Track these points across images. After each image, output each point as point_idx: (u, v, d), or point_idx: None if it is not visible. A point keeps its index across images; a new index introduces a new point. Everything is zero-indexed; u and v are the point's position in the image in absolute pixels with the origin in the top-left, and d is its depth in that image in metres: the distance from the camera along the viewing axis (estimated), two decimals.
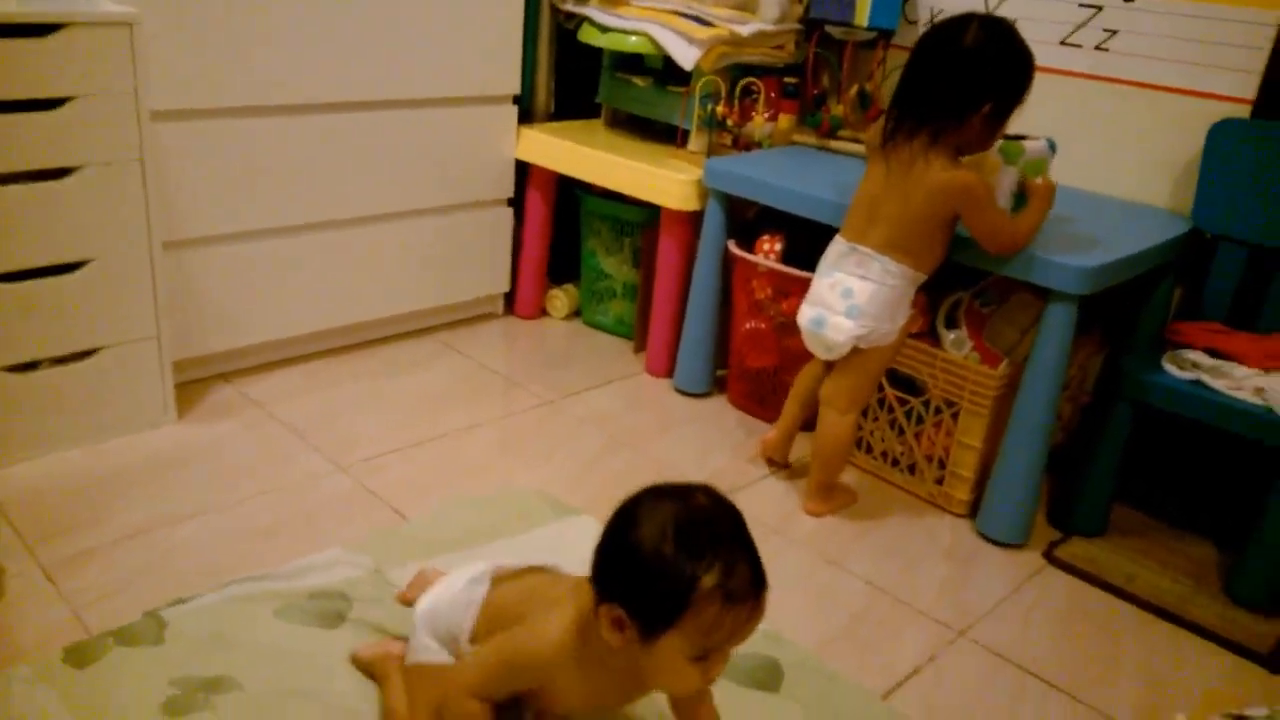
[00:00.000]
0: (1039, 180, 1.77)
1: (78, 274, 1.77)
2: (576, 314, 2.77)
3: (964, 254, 1.79)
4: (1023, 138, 1.81)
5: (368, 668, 1.29)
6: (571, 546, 1.61)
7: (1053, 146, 1.84)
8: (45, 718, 1.16)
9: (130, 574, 1.54)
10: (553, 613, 1.10)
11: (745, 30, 2.31)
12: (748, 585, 0.99)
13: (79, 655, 1.26)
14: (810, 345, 1.88)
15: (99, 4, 1.72)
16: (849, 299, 1.77)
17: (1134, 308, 2.06)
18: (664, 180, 2.28)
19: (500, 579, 1.24)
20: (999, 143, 1.78)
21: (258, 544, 1.64)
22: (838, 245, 1.82)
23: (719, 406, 2.34)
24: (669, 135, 2.50)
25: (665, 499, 1.02)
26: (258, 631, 1.33)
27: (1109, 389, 1.90)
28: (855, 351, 1.81)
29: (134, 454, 1.88)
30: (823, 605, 1.67)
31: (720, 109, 2.35)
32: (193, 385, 2.15)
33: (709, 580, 0.96)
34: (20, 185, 1.66)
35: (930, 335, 1.96)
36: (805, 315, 1.85)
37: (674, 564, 0.97)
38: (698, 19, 2.32)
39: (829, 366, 1.89)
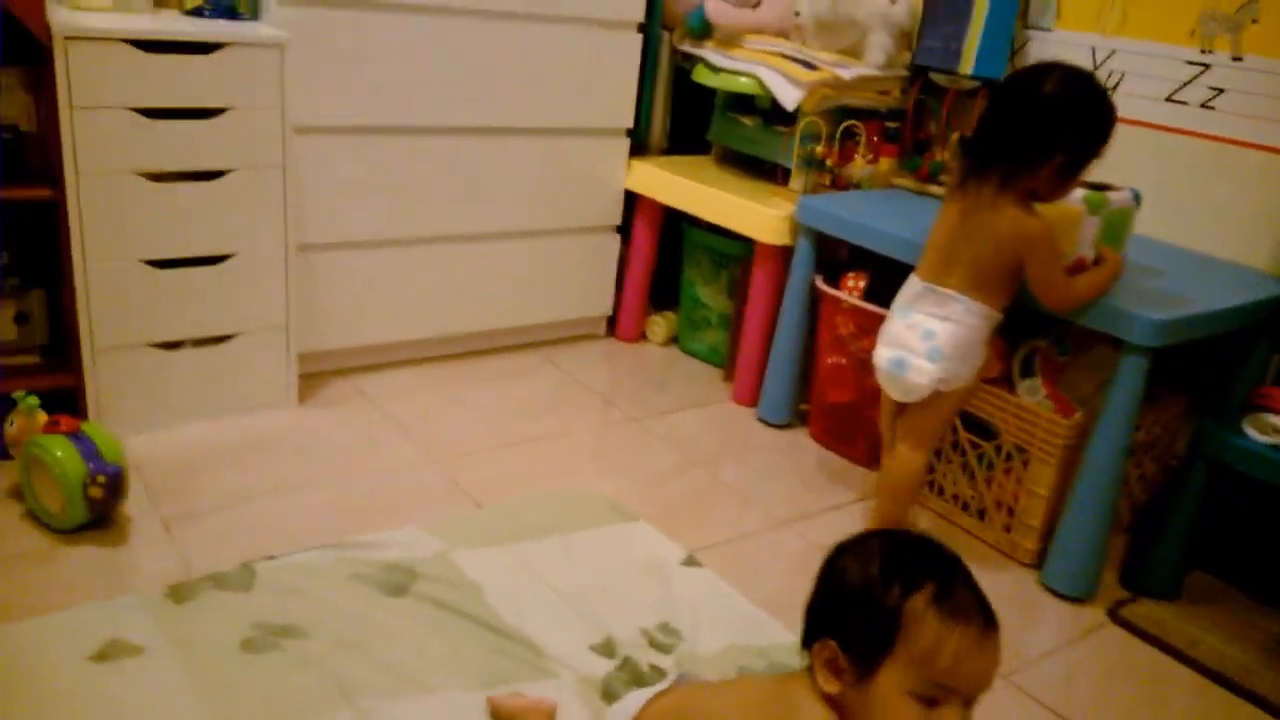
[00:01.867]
0: (1113, 250, 1.78)
1: (222, 266, 2.00)
2: (674, 340, 2.88)
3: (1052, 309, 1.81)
4: (1108, 188, 1.82)
5: (509, 717, 1.27)
6: (628, 548, 1.72)
7: (1137, 198, 1.85)
8: (143, 638, 1.33)
9: (236, 531, 1.73)
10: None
11: (848, 74, 2.39)
12: (970, 604, 0.92)
13: (179, 592, 1.44)
14: (887, 387, 1.90)
15: (257, 28, 1.96)
16: (930, 340, 1.79)
17: (1229, 371, 2.02)
18: (758, 215, 2.37)
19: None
20: (1083, 192, 1.80)
21: (348, 517, 1.81)
22: (913, 285, 1.86)
23: (798, 438, 2.40)
24: (774, 174, 2.59)
25: (875, 537, 0.99)
26: (332, 591, 1.48)
27: (1190, 449, 1.87)
28: (935, 393, 1.83)
29: (256, 431, 2.10)
30: None
31: (820, 149, 2.43)
32: (315, 376, 2.36)
33: (920, 597, 0.91)
34: (182, 183, 1.90)
35: (1006, 381, 1.98)
36: (884, 357, 1.87)
37: (881, 583, 0.92)
38: (804, 62, 2.42)
39: (901, 405, 1.92)
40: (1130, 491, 2.10)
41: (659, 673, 1.40)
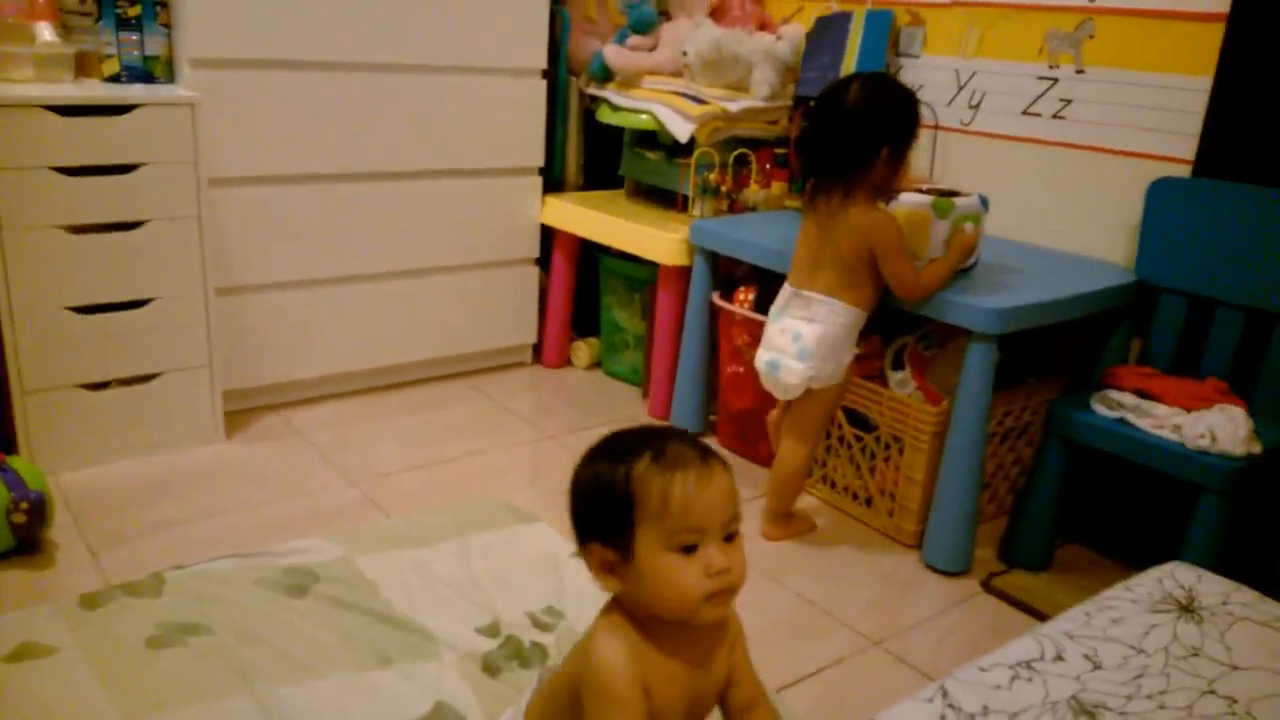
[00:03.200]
0: (966, 227, 1.93)
1: (144, 310, 2.14)
2: (598, 364, 3.02)
3: (906, 301, 1.96)
4: (955, 194, 1.99)
5: None
6: (523, 545, 1.84)
7: (985, 202, 2.01)
8: (55, 641, 1.44)
9: (158, 553, 1.85)
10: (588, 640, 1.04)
11: (735, 107, 2.57)
12: (685, 453, 0.97)
13: (91, 600, 1.55)
14: (768, 386, 2.06)
15: (172, 90, 2.12)
16: (798, 342, 1.96)
17: (1092, 356, 2.18)
18: (659, 240, 2.53)
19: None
20: (931, 199, 1.97)
21: (266, 536, 1.93)
22: (785, 292, 2.02)
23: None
24: (678, 203, 2.76)
25: (596, 444, 1.03)
26: (236, 593, 1.59)
27: (1045, 429, 2.01)
28: (808, 391, 1.99)
29: (183, 465, 2.22)
30: (746, 612, 1.81)
31: (714, 177, 2.60)
32: (246, 412, 2.49)
33: (640, 464, 0.96)
34: (100, 234, 2.05)
35: (880, 376, 2.13)
36: (761, 359, 2.04)
37: (607, 469, 0.98)
38: (694, 98, 2.60)
39: (788, 404, 2.07)
40: (1009, 475, 2.24)
41: (540, 649, 1.52)
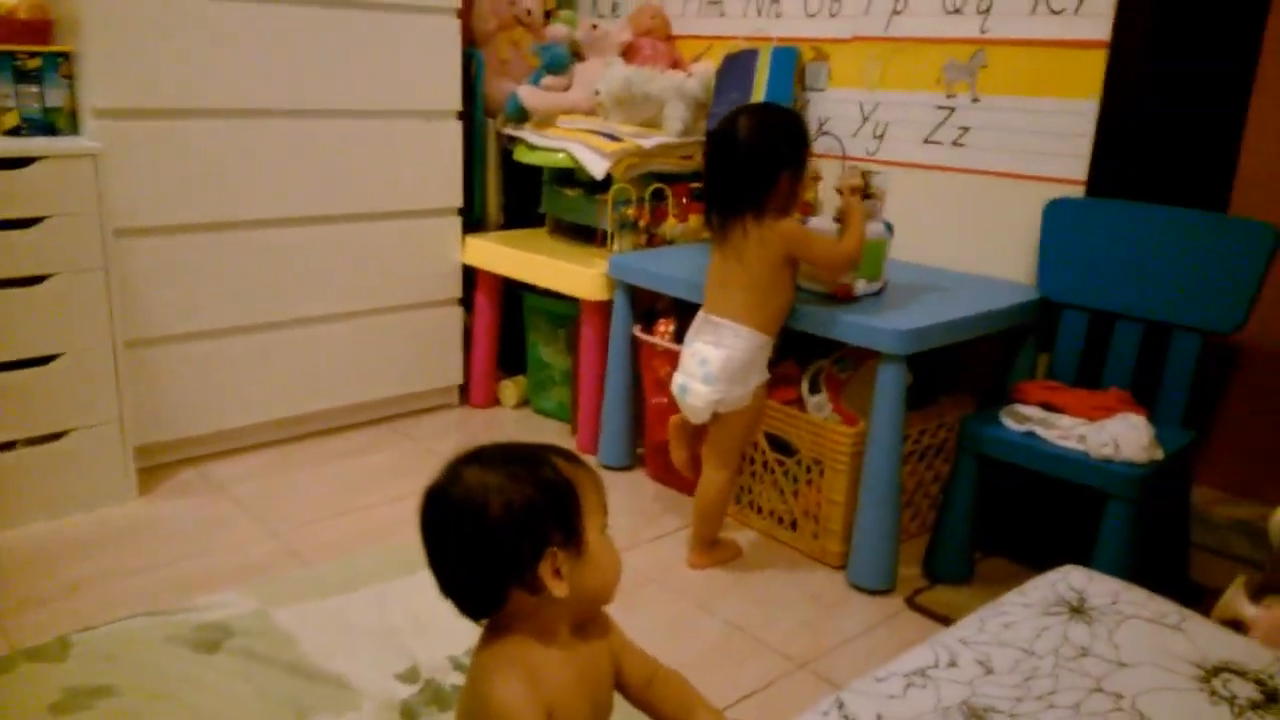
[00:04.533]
0: (853, 205, 1.98)
1: (50, 366, 2.09)
2: (527, 403, 3.02)
3: (816, 324, 2.00)
4: (872, 172, 2.04)
5: None
6: None
7: (889, 229, 2.07)
8: None
9: (67, 616, 1.78)
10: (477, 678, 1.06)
11: (649, 143, 2.61)
12: (562, 452, 1.08)
13: None
14: (683, 410, 2.08)
15: (76, 142, 2.09)
16: (705, 366, 1.98)
17: (1002, 373, 2.24)
18: (579, 276, 2.55)
19: None
20: (838, 225, 2.02)
21: (182, 592, 1.88)
22: (698, 318, 2.05)
23: (637, 478, 2.54)
24: (598, 239, 2.79)
25: (467, 480, 1.03)
26: (145, 653, 1.55)
27: (957, 445, 2.06)
28: (717, 415, 2.01)
29: (95, 525, 2.15)
30: (677, 641, 1.83)
31: (631, 212, 2.63)
32: (161, 467, 2.43)
33: (559, 464, 1.04)
34: (2, 289, 1.99)
35: (799, 400, 2.16)
36: (675, 383, 2.06)
37: (541, 478, 1.01)
38: (609, 135, 2.63)
39: (704, 430, 2.09)
40: (929, 492, 2.28)
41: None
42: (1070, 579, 1.14)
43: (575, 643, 1.08)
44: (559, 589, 1.01)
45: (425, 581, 1.84)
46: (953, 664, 0.98)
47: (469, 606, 1.07)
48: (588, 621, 1.11)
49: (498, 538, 1.00)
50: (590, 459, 2.61)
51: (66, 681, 1.48)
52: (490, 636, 1.06)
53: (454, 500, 1.02)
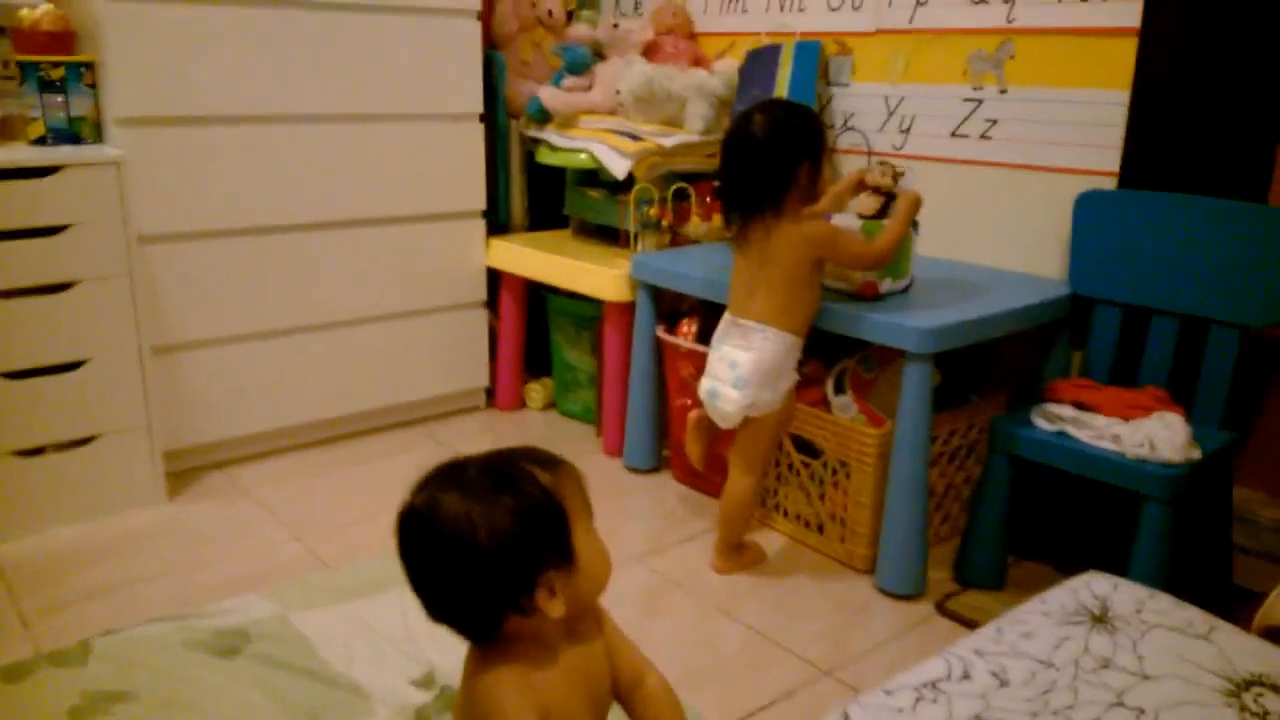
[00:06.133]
0: (906, 193, 1.94)
1: (77, 372, 2.11)
2: (553, 405, 3.00)
3: (840, 323, 1.96)
4: (885, 217, 2.00)
5: None
6: None
7: (915, 225, 2.02)
8: None
9: (93, 619, 1.80)
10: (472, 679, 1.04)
11: (670, 142, 2.59)
12: (538, 454, 1.06)
13: (14, 672, 1.51)
14: (711, 415, 2.06)
15: (100, 150, 2.11)
16: (735, 370, 1.95)
17: (1033, 371, 2.18)
18: (603, 276, 2.53)
19: None
20: (863, 223, 1.98)
21: (206, 596, 1.88)
22: (724, 321, 2.02)
23: (663, 480, 2.52)
24: (622, 240, 2.76)
25: (442, 508, 0.99)
26: (164, 658, 1.56)
27: (989, 446, 2.01)
28: (747, 420, 1.98)
29: (122, 529, 2.17)
30: (699, 647, 1.81)
31: (654, 211, 2.61)
32: (189, 471, 2.45)
33: (540, 476, 1.01)
34: (27, 298, 2.02)
35: (824, 401, 2.12)
36: (703, 388, 2.04)
37: (524, 500, 0.98)
38: (630, 135, 2.61)
39: (728, 433, 2.06)
40: (960, 495, 2.23)
41: None
42: (1093, 586, 1.09)
43: (571, 647, 1.07)
44: (555, 609, 1.00)
45: None
46: (966, 676, 0.94)
47: (462, 633, 1.06)
48: (581, 617, 1.09)
49: (489, 573, 0.97)
50: (616, 462, 2.60)
51: (86, 686, 1.48)
52: (483, 654, 1.04)
53: (437, 533, 0.98)
